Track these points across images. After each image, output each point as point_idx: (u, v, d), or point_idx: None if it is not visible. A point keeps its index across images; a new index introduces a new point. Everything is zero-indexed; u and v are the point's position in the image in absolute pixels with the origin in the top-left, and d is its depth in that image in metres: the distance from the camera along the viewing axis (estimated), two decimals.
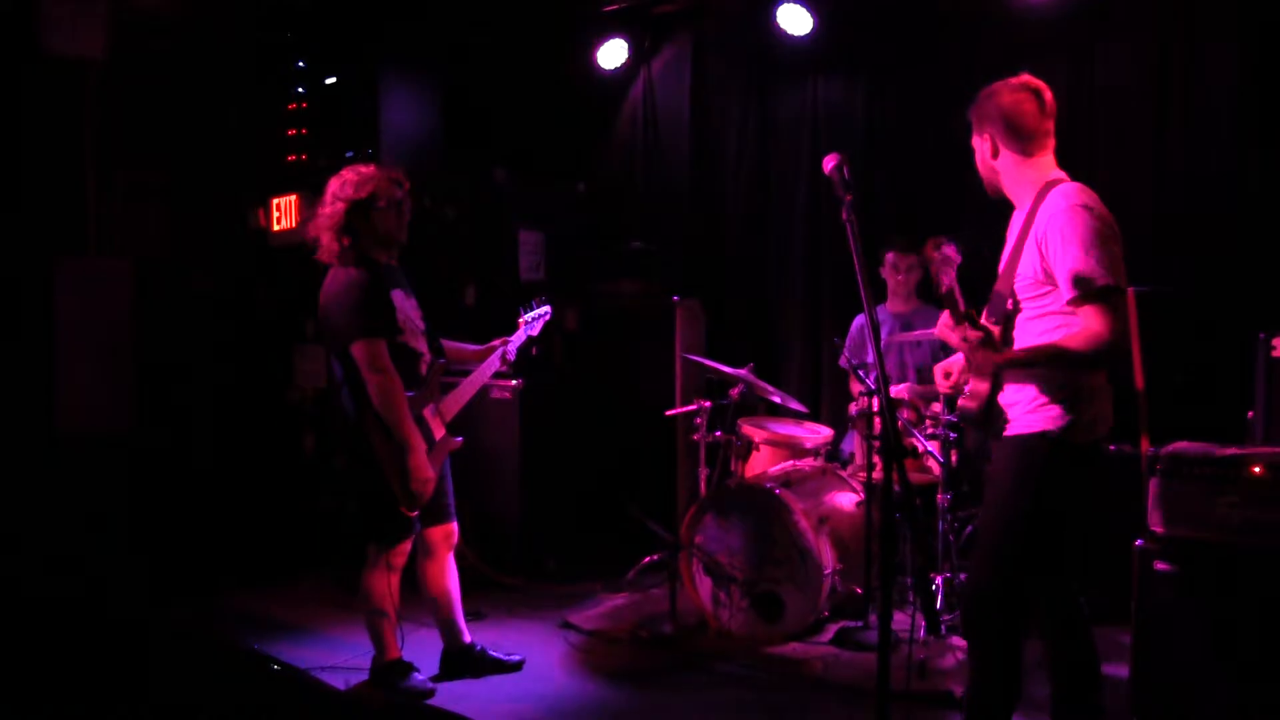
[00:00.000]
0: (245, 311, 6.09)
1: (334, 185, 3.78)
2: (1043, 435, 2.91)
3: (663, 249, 6.56)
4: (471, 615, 4.87)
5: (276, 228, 5.96)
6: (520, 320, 4.34)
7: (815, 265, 6.26)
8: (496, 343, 4.23)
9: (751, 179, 6.52)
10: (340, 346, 3.68)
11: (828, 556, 4.47)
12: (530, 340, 4.35)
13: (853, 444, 5.31)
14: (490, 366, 4.18)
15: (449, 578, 4.11)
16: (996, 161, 3.04)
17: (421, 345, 3.92)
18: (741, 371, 5.04)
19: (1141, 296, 4.11)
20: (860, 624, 4.58)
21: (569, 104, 6.97)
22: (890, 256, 5.35)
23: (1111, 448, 4.39)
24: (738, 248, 6.58)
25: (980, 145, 3.06)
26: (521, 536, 5.62)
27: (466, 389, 4.10)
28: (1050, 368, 2.88)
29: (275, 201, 5.96)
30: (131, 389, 5.71)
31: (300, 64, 6.03)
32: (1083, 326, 2.81)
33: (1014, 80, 3.00)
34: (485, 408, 5.55)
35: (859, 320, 5.46)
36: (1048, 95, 2.98)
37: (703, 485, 5.12)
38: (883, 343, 5.20)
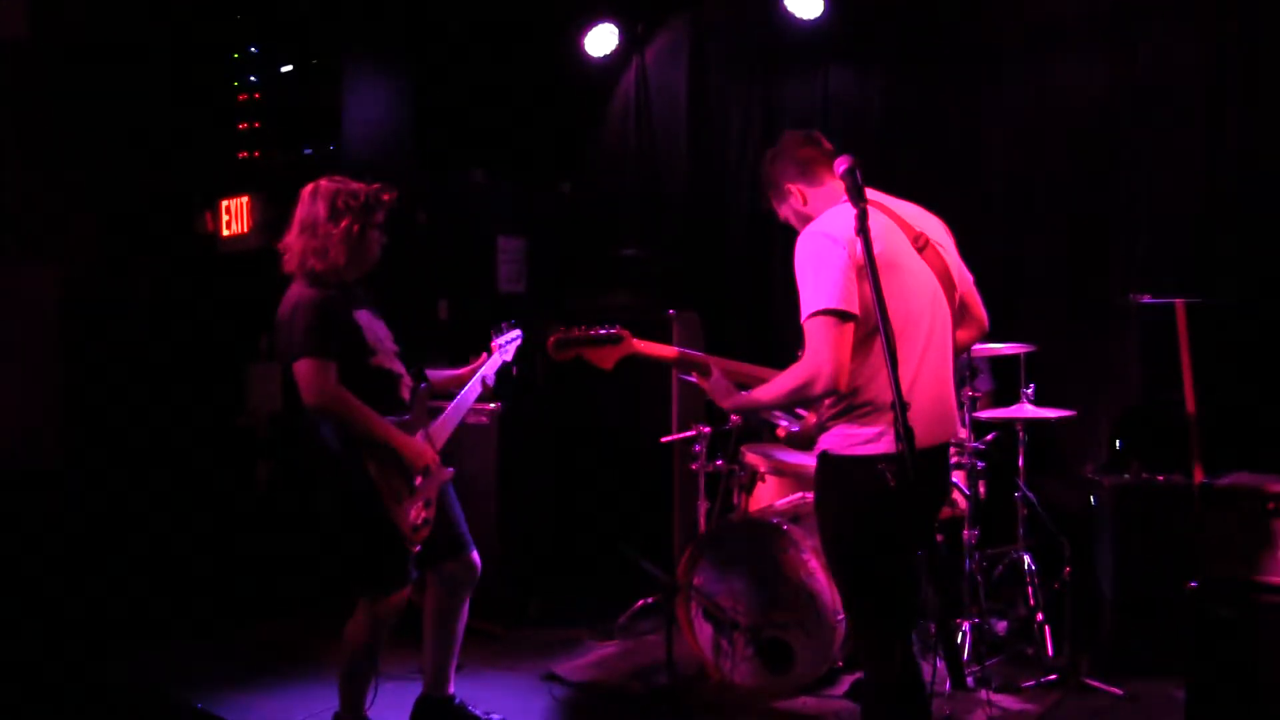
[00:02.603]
0: (191, 327, 6.03)
1: (332, 191, 3.80)
2: None
3: (657, 256, 6.57)
4: None
5: (226, 233, 5.94)
6: (494, 344, 4.39)
7: None
8: (478, 363, 4.28)
9: (755, 179, 6.39)
10: (288, 361, 3.69)
11: (841, 599, 4.39)
12: (506, 365, 4.40)
13: None
14: (474, 391, 4.22)
15: (461, 619, 4.14)
16: (806, 207, 3.26)
17: (399, 367, 3.93)
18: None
19: (1193, 308, 4.08)
20: None
21: (553, 96, 6.97)
22: None
23: (1160, 478, 4.40)
24: (740, 255, 6.60)
25: (790, 207, 3.31)
26: (500, 577, 5.51)
27: (453, 415, 4.14)
28: None
29: (224, 204, 5.93)
30: (59, 417, 5.61)
31: (252, 49, 6.01)
32: None
33: (784, 136, 3.32)
34: (459, 434, 5.41)
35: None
36: (815, 134, 3.29)
37: (702, 520, 5.11)
38: None
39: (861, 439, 3.00)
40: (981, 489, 4.71)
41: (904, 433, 2.61)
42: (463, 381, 4.23)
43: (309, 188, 3.84)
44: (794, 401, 3.10)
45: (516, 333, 4.46)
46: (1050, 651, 4.69)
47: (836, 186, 3.14)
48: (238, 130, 6.00)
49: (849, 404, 3.03)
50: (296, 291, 3.75)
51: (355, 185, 3.84)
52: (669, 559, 5.52)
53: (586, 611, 5.59)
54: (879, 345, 2.84)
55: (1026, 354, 4.79)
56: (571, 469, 6.03)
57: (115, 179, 5.88)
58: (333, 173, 3.94)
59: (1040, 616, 4.76)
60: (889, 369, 2.62)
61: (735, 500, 5.22)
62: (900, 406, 2.62)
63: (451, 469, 4.01)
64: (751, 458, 5.21)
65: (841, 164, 2.89)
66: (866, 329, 2.93)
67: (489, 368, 4.30)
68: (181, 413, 5.96)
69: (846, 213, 2.98)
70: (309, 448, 3.73)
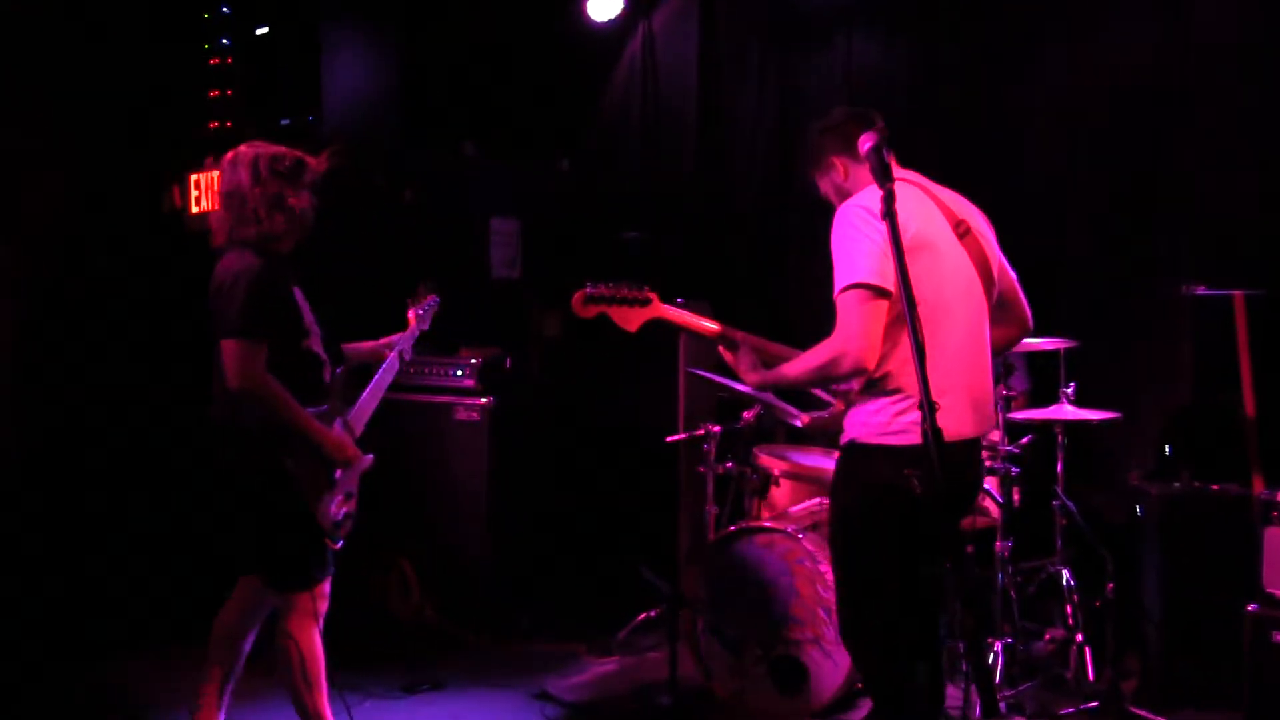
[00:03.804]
0: (156, 310, 5.97)
1: (253, 156, 3.79)
2: None
3: (663, 240, 6.56)
4: (428, 683, 4.88)
5: (196, 209, 5.88)
6: (410, 314, 4.47)
7: None
8: (393, 338, 4.33)
9: (770, 156, 6.52)
10: (216, 337, 3.69)
11: (837, 607, 4.37)
12: (423, 335, 4.50)
13: None
14: (391, 370, 4.27)
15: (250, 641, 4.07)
16: (848, 182, 3.37)
17: (323, 351, 3.96)
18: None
19: (1253, 301, 4.03)
20: None
21: (552, 64, 6.96)
22: None
23: (1214, 487, 4.38)
24: (752, 238, 6.58)
25: (831, 183, 3.43)
26: (490, 586, 5.59)
27: (371, 399, 4.16)
28: None
29: (194, 177, 5.88)
30: (7, 407, 5.54)
31: (224, 9, 5.96)
32: None
33: (834, 112, 3.45)
34: (448, 431, 5.56)
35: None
36: (859, 110, 3.38)
37: (710, 527, 5.11)
38: None
39: (891, 428, 3.04)
40: (1016, 497, 4.68)
41: (931, 432, 2.56)
42: (380, 356, 4.27)
43: (228, 156, 3.83)
44: (820, 380, 3.16)
45: (433, 299, 4.54)
46: (1090, 676, 4.65)
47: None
48: (209, 99, 5.94)
49: (880, 389, 3.07)
50: (238, 260, 3.71)
51: (278, 149, 3.83)
52: (674, 568, 5.54)
53: (583, 624, 5.57)
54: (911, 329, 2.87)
55: (1066, 350, 4.73)
56: (569, 469, 6.03)
57: (74, 149, 5.80)
58: (313, 146, 3.95)
59: (1080, 637, 4.73)
60: (916, 358, 2.59)
61: (747, 505, 5.21)
62: (928, 405, 2.57)
63: (371, 456, 3.99)
64: (765, 459, 5.20)
65: (867, 141, 2.90)
66: (899, 309, 2.96)
67: (405, 341, 4.36)
68: (148, 403, 5.88)
69: (896, 190, 2.99)
70: (225, 434, 3.70)
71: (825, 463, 5.29)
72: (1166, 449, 4.86)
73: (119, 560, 5.62)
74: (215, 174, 5.70)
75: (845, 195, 3.26)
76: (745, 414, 5.13)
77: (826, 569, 4.40)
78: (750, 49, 6.56)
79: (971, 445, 3.20)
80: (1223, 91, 5.17)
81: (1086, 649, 4.70)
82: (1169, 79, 5.27)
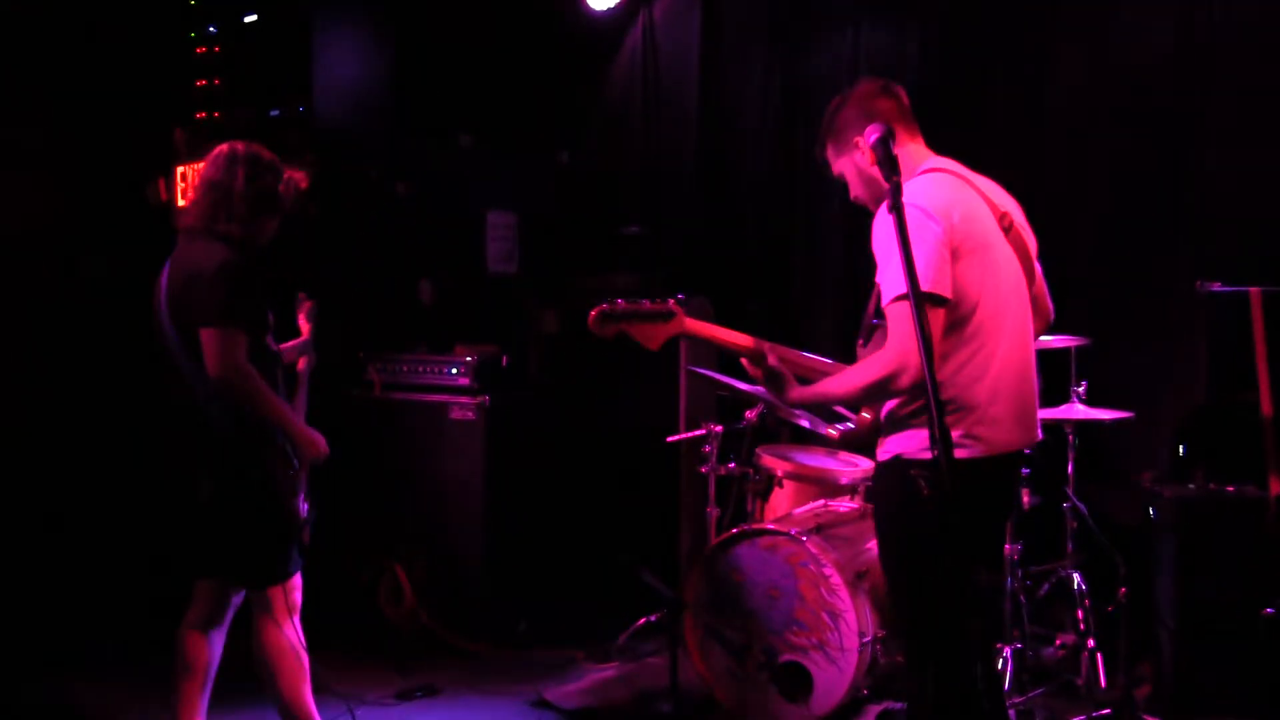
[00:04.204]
0: (140, 308, 5.94)
1: (250, 157, 3.88)
2: None
3: (664, 235, 6.56)
4: (422, 690, 4.88)
5: (182, 202, 5.83)
6: (301, 320, 4.41)
7: (853, 257, 6.21)
8: (294, 343, 4.32)
9: (775, 149, 6.49)
10: (197, 324, 3.71)
11: (867, 620, 4.43)
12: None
13: None
14: (307, 371, 4.29)
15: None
16: (876, 166, 3.13)
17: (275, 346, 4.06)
18: (761, 389, 4.90)
19: (1270, 297, 4.02)
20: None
21: (551, 54, 6.94)
22: None
23: (1229, 489, 4.38)
24: (757, 234, 6.56)
25: (851, 162, 3.26)
26: (486, 590, 5.58)
27: (303, 400, 4.21)
28: None
29: (180, 170, 5.88)
30: None
31: None
32: None
33: (860, 82, 3.33)
34: (443, 430, 5.54)
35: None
36: (894, 86, 3.28)
37: (712, 529, 5.10)
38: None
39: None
40: (1026, 498, 4.67)
41: (940, 435, 2.53)
42: (295, 354, 4.30)
43: (223, 149, 3.90)
44: (872, 396, 3.05)
45: (310, 304, 4.47)
46: (1103, 682, 4.64)
47: (914, 151, 3.17)
48: (195, 88, 5.94)
49: (925, 401, 2.90)
50: (214, 251, 3.75)
51: (272, 156, 3.94)
52: (674, 571, 5.52)
53: (582, 630, 5.58)
54: (967, 335, 2.89)
55: (1078, 347, 4.73)
56: (567, 470, 6.01)
57: (54, 141, 5.78)
58: (303, 136, 3.97)
59: (1091, 643, 4.71)
60: (924, 360, 2.54)
61: (749, 507, 5.21)
62: (937, 405, 2.54)
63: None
64: (768, 460, 5.19)
65: (873, 132, 2.87)
66: (954, 316, 2.91)
67: (308, 347, 4.36)
68: (133, 402, 5.85)
69: (939, 183, 2.99)
70: (191, 427, 3.71)
71: (829, 464, 5.33)
72: (1181, 449, 4.85)
73: (74, 570, 5.60)
74: (203, 166, 5.75)
75: (869, 180, 3.19)
76: (748, 413, 5.12)
77: (831, 572, 4.39)
78: (754, 39, 6.54)
79: (1015, 459, 3.16)
80: (1241, 84, 5.16)
81: (1098, 655, 4.68)
82: (1187, 71, 5.26)
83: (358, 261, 5.69)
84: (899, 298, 2.87)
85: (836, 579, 4.38)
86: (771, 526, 4.65)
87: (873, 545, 4.66)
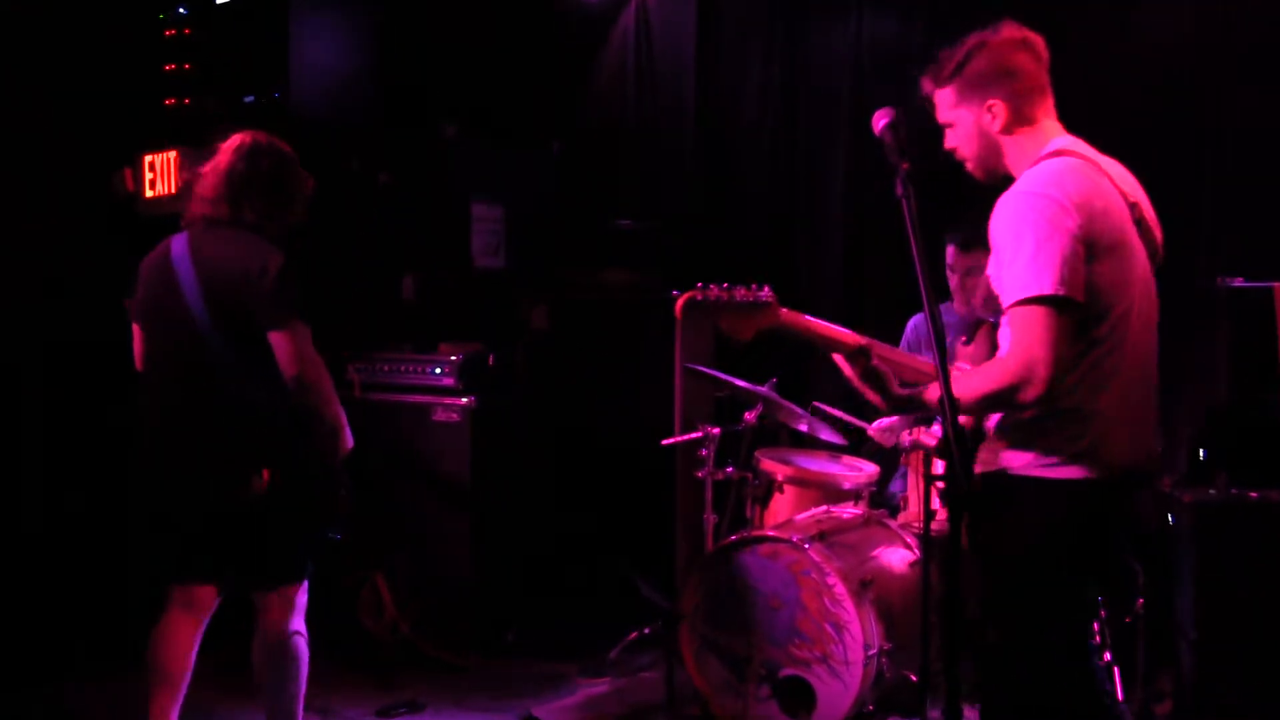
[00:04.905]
0: (106, 305, 5.91)
1: (291, 155, 4.03)
2: None
3: (659, 228, 6.55)
4: (405, 706, 4.88)
5: (150, 193, 5.86)
6: None
7: (857, 251, 6.24)
8: None
9: (775, 139, 6.49)
10: (267, 327, 3.78)
11: (873, 632, 4.42)
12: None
13: (905, 485, 5.25)
14: None
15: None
16: (1005, 135, 3.06)
17: None
18: (761, 389, 4.99)
19: None
20: None
21: (540, 39, 6.94)
22: (948, 252, 5.33)
23: (1252, 494, 4.38)
24: (756, 228, 6.56)
25: (974, 117, 3.08)
26: (472, 601, 5.56)
27: None
28: None
29: (148, 159, 5.86)
30: None
31: None
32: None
33: (1002, 28, 3.13)
34: (426, 433, 5.54)
35: (915, 322, 5.44)
36: (1037, 41, 3.12)
37: (709, 536, 5.09)
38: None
39: (1053, 459, 2.84)
40: None
41: (953, 437, 2.53)
42: None
43: (247, 140, 3.95)
44: (989, 408, 2.94)
45: None
46: (1120, 697, 4.58)
47: (1045, 129, 3.03)
48: (164, 73, 5.92)
49: (1040, 411, 2.85)
50: (253, 245, 3.84)
51: (288, 147, 4.05)
52: (670, 581, 5.51)
53: (573, 642, 5.59)
54: (1094, 339, 2.76)
55: None
56: (557, 474, 6.02)
57: (13, 127, 5.72)
58: (279, 125, 4.10)
59: (1107, 655, 4.65)
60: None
61: (748, 513, 5.20)
62: (950, 404, 2.54)
63: None
64: (768, 464, 5.20)
65: (882, 118, 2.84)
66: (1084, 320, 2.77)
67: None
68: (95, 407, 5.82)
69: (1073, 170, 2.86)
70: (236, 422, 3.74)
71: (832, 468, 5.34)
72: (1201, 452, 4.81)
73: (73, 570, 5.58)
74: (173, 155, 5.74)
75: (990, 146, 3.06)
76: (746, 415, 5.11)
77: (834, 581, 4.39)
78: (754, 23, 6.54)
79: (1137, 481, 3.00)
80: (1264, 74, 5.16)
81: (1115, 668, 4.63)
82: (1208, 63, 5.26)
83: (337, 256, 5.66)
84: (1028, 300, 2.73)
85: (840, 589, 4.37)
86: (772, 533, 4.64)
87: (877, 553, 4.76)
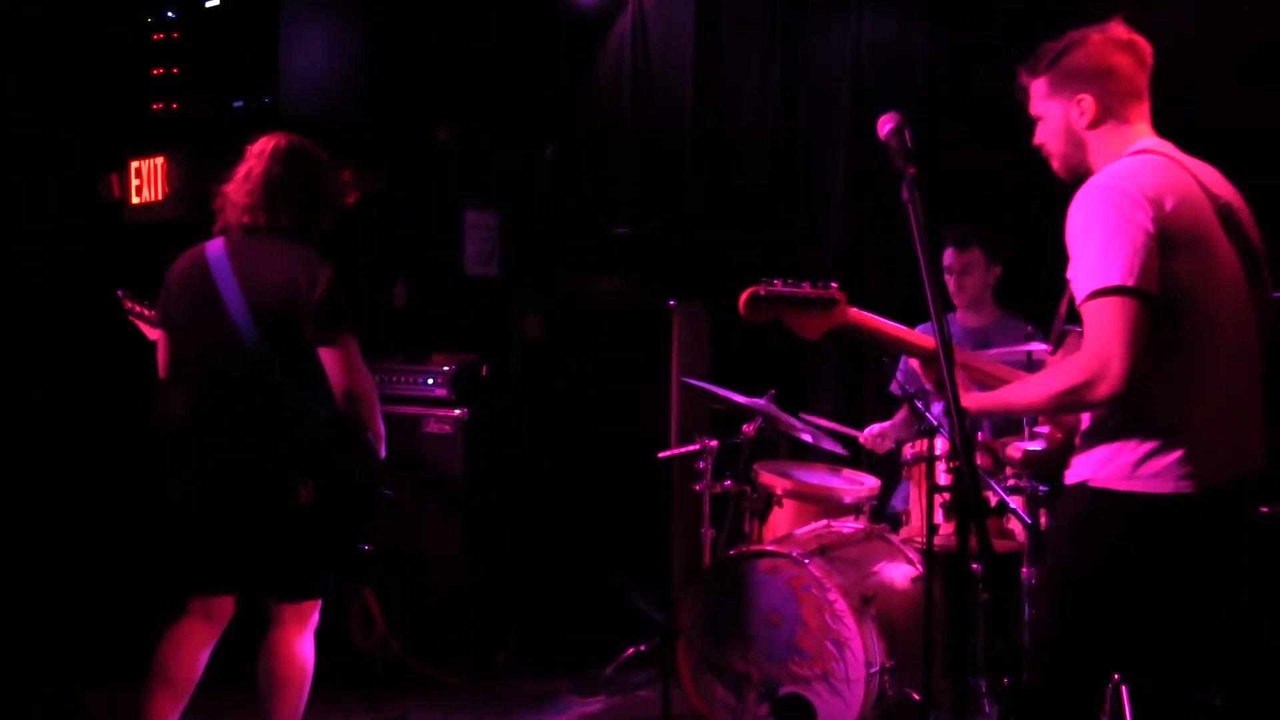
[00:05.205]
0: (92, 314, 5.93)
1: (290, 149, 4.00)
2: None
3: (656, 236, 6.56)
4: None
5: (137, 200, 5.88)
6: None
7: (857, 258, 6.24)
8: None
9: (775, 139, 6.50)
10: (318, 343, 3.83)
11: (874, 649, 4.42)
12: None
13: (907, 498, 5.24)
14: None
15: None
16: (1090, 131, 3.05)
17: None
18: (759, 401, 5.00)
19: None
20: None
21: (535, 42, 6.95)
22: (946, 254, 5.36)
23: (1263, 509, 4.29)
24: (756, 228, 6.56)
25: (1062, 111, 3.10)
26: (463, 617, 5.54)
27: None
28: None
29: (135, 165, 5.89)
30: None
31: None
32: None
33: (1110, 26, 3.13)
34: (418, 445, 5.53)
35: (920, 331, 5.35)
36: (1143, 45, 3.10)
37: (707, 551, 5.11)
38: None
39: (1140, 472, 2.77)
40: (1044, 518, 4.50)
41: (961, 444, 2.51)
42: None
43: (280, 143, 3.99)
44: (1062, 408, 2.90)
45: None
46: (1128, 718, 4.54)
47: (1134, 131, 3.00)
48: (152, 76, 5.92)
49: (1125, 418, 2.79)
50: (299, 254, 3.88)
51: (320, 151, 4.09)
52: (667, 597, 5.55)
53: (566, 659, 5.58)
54: (1175, 342, 2.70)
55: None
56: (551, 488, 6.04)
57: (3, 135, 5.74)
58: (268, 129, 4.05)
59: (1116, 675, 4.60)
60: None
61: (746, 528, 5.21)
62: (958, 411, 2.51)
63: None
64: (766, 477, 5.20)
65: (887, 123, 2.83)
66: (1160, 318, 2.70)
67: None
68: (84, 414, 5.85)
69: (1149, 165, 2.83)
70: (287, 431, 3.78)
71: (832, 481, 5.34)
72: None
73: (73, 572, 5.63)
74: (160, 161, 5.78)
75: (1074, 142, 3.05)
76: (744, 427, 5.10)
77: (835, 597, 4.38)
78: (753, 25, 6.55)
79: (1234, 494, 2.86)
80: (1264, 74, 5.15)
81: (1124, 688, 4.63)
82: (1209, 57, 5.25)
83: (326, 259, 5.66)
84: (1099, 292, 2.68)
85: (841, 604, 4.37)
86: (771, 548, 4.64)
87: (879, 568, 4.75)
